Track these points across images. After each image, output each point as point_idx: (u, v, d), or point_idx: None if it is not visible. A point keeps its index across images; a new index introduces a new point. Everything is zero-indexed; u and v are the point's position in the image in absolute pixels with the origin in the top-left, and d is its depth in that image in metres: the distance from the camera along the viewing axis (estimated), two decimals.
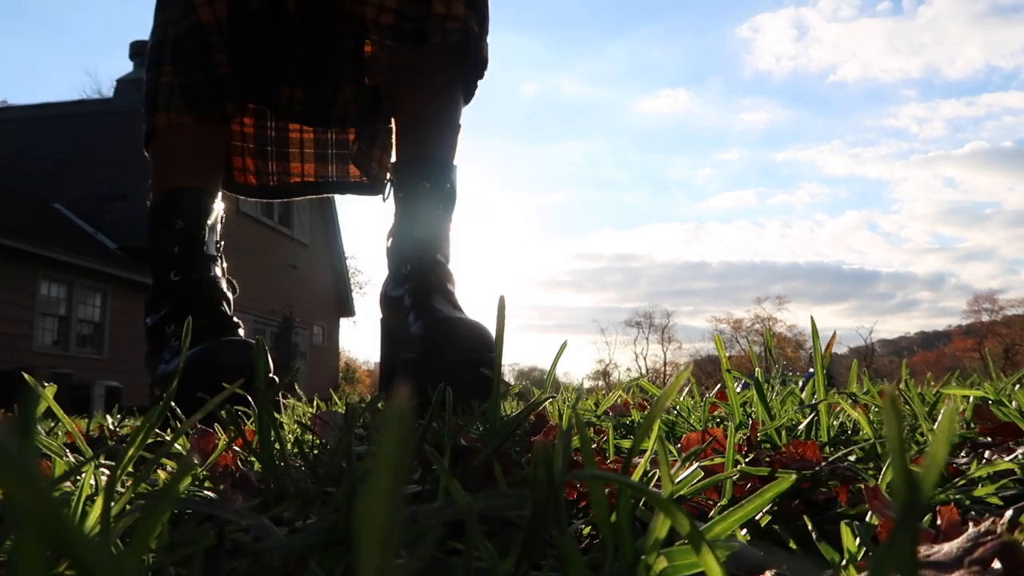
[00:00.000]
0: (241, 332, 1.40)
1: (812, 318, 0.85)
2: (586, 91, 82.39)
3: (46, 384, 0.66)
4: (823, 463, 0.57)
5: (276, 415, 0.60)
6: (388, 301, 1.41)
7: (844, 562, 0.40)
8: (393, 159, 1.57)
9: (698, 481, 0.51)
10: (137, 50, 18.17)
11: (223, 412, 0.62)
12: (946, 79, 78.53)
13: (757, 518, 0.49)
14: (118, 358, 13.48)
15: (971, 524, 0.38)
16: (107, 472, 0.53)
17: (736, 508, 0.38)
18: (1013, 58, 77.42)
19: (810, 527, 0.46)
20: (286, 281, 17.99)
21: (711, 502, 0.54)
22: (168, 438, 0.62)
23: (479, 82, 1.56)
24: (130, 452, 0.46)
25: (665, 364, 46.61)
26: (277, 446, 0.57)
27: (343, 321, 22.09)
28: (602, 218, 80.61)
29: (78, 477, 0.49)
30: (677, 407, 1.04)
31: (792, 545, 0.47)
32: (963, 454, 0.69)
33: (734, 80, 79.91)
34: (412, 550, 0.35)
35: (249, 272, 14.38)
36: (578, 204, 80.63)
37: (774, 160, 77.69)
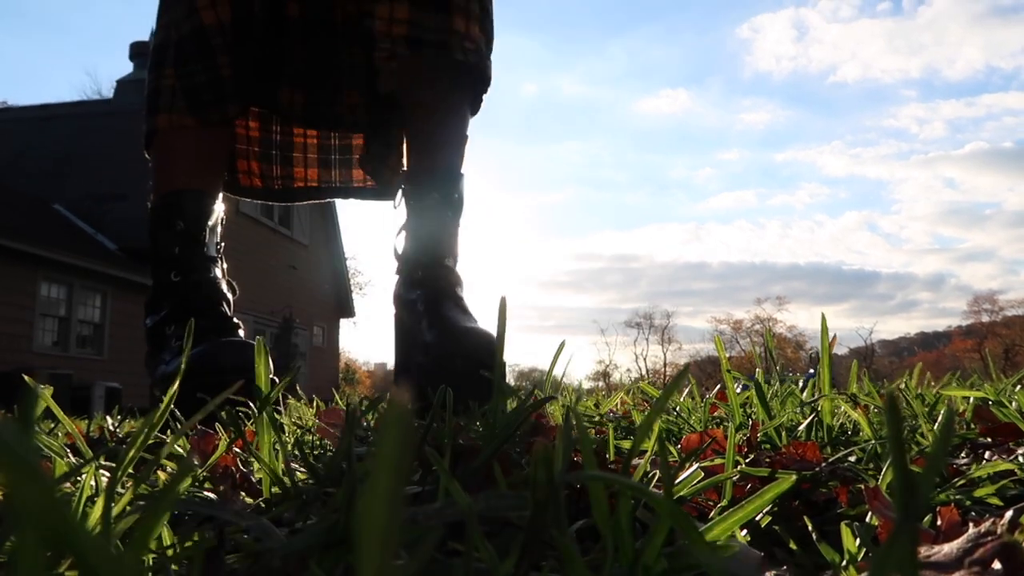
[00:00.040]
0: (241, 333, 1.41)
1: (823, 315, 0.85)
2: (586, 91, 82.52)
3: (43, 387, 0.66)
4: (823, 464, 0.57)
5: (277, 416, 0.60)
6: (402, 302, 1.48)
7: (844, 563, 0.40)
8: (404, 167, 1.60)
9: (698, 482, 0.51)
10: (137, 51, 18.19)
11: (223, 413, 0.62)
12: (946, 80, 78.66)
13: (757, 519, 0.49)
14: (118, 359, 13.48)
15: (971, 525, 0.38)
16: (107, 473, 0.53)
17: (736, 509, 0.38)
18: (1013, 59, 77.53)
19: (810, 528, 0.46)
20: (286, 282, 17.99)
21: (711, 503, 0.54)
22: (168, 439, 0.62)
23: (484, 96, 1.62)
24: (131, 453, 0.46)
25: (665, 365, 46.64)
26: (277, 447, 0.57)
27: (343, 322, 22.11)
28: (602, 218, 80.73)
29: (78, 478, 0.50)
30: (677, 408, 1.04)
31: (792, 546, 0.47)
32: (963, 455, 0.69)
33: (734, 80, 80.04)
34: (412, 551, 0.35)
35: (249, 273, 14.38)
36: (578, 204, 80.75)
37: (774, 160, 77.80)
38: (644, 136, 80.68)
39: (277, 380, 0.76)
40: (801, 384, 1.04)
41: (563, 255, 73.63)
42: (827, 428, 0.78)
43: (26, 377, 0.50)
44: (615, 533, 0.33)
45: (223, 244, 1.55)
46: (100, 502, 0.40)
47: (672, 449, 0.71)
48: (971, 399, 0.84)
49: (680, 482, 0.50)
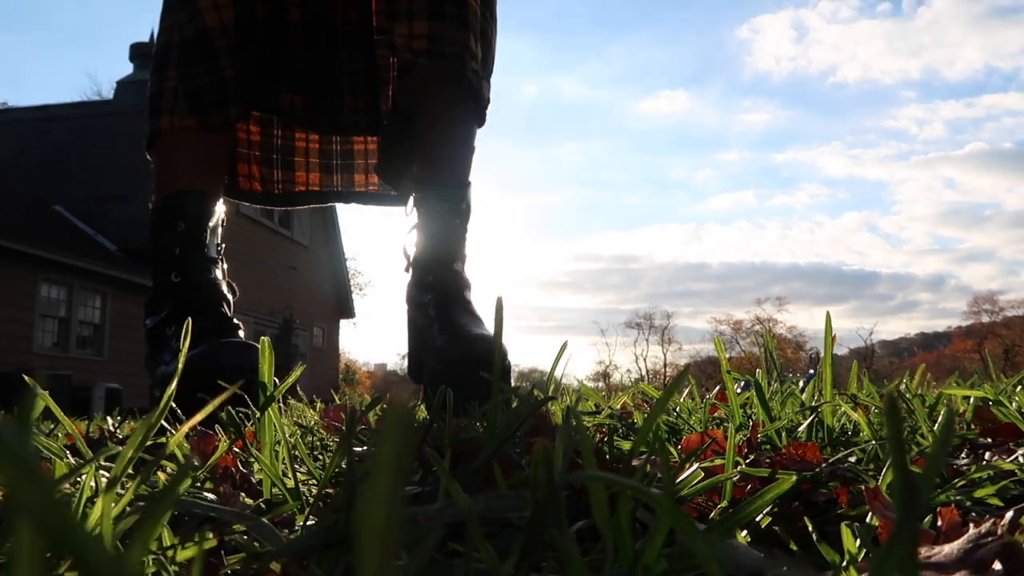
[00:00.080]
0: (241, 334, 1.41)
1: (828, 313, 0.84)
2: (586, 92, 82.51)
3: (41, 388, 0.66)
4: (823, 464, 0.57)
5: (277, 416, 0.60)
6: (415, 303, 1.54)
7: (844, 563, 0.40)
8: (415, 176, 1.64)
9: (698, 482, 0.51)
10: (137, 52, 18.20)
11: (223, 414, 0.62)
12: (946, 80, 78.64)
13: (757, 519, 0.49)
14: (118, 360, 13.48)
15: (972, 525, 0.38)
16: (107, 474, 0.53)
17: (736, 509, 0.38)
18: (1013, 59, 77.53)
19: (810, 528, 0.46)
20: (286, 283, 18.00)
21: (711, 503, 0.54)
22: (168, 440, 0.62)
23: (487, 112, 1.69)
24: (129, 453, 0.46)
25: (665, 366, 46.61)
26: (278, 448, 0.57)
27: (343, 323, 22.12)
28: (602, 219, 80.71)
29: (78, 479, 0.49)
30: (677, 408, 1.04)
31: (792, 546, 0.47)
32: (963, 455, 0.69)
33: (734, 81, 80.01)
34: (412, 551, 0.35)
35: (249, 274, 14.39)
36: (578, 205, 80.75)
37: (774, 161, 77.78)
38: (644, 137, 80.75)
39: (278, 381, 0.76)
40: (801, 384, 1.04)
41: (563, 256, 73.73)
42: (827, 429, 0.78)
43: (26, 378, 0.50)
44: (615, 533, 0.33)
45: (224, 245, 1.55)
46: (100, 503, 0.40)
47: (672, 450, 0.71)
48: (971, 399, 0.84)
49: (680, 482, 0.50)
